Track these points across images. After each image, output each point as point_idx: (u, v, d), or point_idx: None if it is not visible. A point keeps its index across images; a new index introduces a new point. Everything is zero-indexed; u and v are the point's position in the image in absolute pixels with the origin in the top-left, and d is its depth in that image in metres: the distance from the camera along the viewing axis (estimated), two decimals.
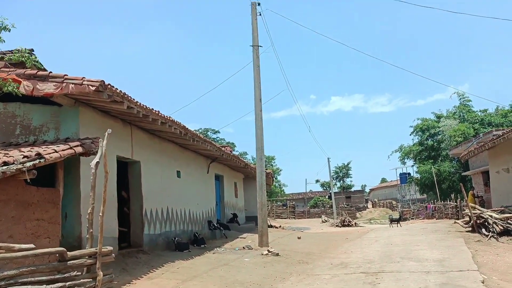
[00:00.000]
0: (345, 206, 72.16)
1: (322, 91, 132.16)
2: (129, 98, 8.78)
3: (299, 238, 18.90)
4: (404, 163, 60.10)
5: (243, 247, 14.36)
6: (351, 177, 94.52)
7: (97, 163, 6.03)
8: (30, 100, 8.81)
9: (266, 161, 75.38)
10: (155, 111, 10.02)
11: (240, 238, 17.31)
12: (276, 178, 75.73)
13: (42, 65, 9.35)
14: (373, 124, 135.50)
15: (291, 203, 58.05)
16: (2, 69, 8.27)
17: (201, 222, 15.94)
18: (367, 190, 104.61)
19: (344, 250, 14.17)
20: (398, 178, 65.66)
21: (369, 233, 22.25)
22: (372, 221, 58.44)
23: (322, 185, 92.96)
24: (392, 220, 28.52)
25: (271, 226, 27.27)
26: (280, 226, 29.46)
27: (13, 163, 6.68)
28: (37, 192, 7.51)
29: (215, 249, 13.75)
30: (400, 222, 28.70)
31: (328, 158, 54.37)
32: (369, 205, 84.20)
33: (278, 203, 61.04)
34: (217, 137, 76.76)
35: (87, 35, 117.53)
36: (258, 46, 16.31)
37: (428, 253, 12.13)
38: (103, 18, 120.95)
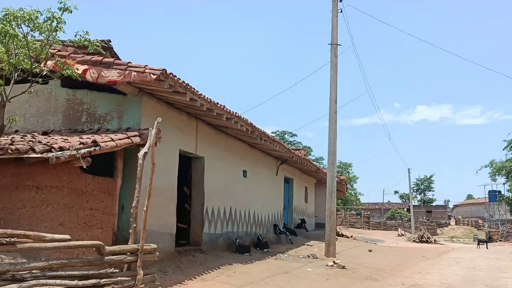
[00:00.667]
0: (425, 221, 68.34)
1: (407, 99, 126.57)
2: (193, 89, 8.39)
3: (370, 251, 17.71)
4: (494, 180, 55.29)
5: (308, 255, 13.57)
6: (433, 191, 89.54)
7: (145, 153, 5.62)
8: (98, 88, 8.74)
9: (342, 168, 73.81)
10: (220, 105, 9.58)
11: (307, 245, 16.52)
12: (351, 186, 73.53)
13: (116, 54, 9.28)
14: (462, 137, 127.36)
15: (365, 213, 55.75)
16: (71, 54, 8.23)
17: (266, 225, 15.36)
18: (450, 205, 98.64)
19: (419, 270, 12.87)
20: (487, 196, 60.66)
21: (450, 252, 20.40)
22: (454, 239, 54.65)
23: (401, 197, 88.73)
24: (479, 241, 25.94)
25: (341, 235, 26.14)
26: (351, 236, 28.16)
27: (68, 149, 6.50)
28: (93, 181, 7.32)
29: (278, 254, 13.10)
30: (488, 244, 26.09)
31: (408, 169, 51.63)
32: (452, 221, 79.12)
33: (352, 211, 58.99)
34: (293, 140, 76.01)
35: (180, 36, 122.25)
36: (337, 44, 15.45)
37: None
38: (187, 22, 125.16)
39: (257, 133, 11.70)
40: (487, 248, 24.15)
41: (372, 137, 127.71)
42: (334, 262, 12.11)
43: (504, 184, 54.14)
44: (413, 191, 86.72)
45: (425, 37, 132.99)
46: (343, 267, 11.73)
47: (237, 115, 10.37)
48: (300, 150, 31.97)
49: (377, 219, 70.60)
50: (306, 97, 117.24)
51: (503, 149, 51.33)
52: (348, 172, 74.62)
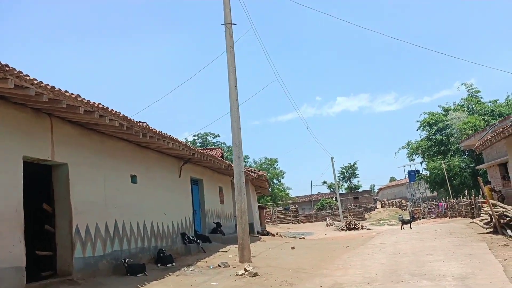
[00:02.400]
0: (353, 207, 69.59)
1: (327, 92, 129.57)
2: (19, 74, 6.26)
3: (292, 248, 16.31)
4: (412, 160, 57.30)
5: (219, 265, 11.78)
6: (358, 177, 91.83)
7: None
8: None
9: (268, 164, 73.19)
10: (73, 95, 7.51)
11: (221, 251, 14.73)
12: (279, 181, 73.20)
13: None
14: (380, 123, 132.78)
15: (293, 207, 55.22)
16: None
17: (171, 236, 13.38)
18: (376, 190, 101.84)
19: (342, 264, 11.55)
20: (407, 176, 62.73)
21: (375, 238, 19.59)
22: (381, 221, 55.84)
23: (329, 187, 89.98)
24: (403, 222, 25.66)
25: (266, 234, 24.72)
26: (277, 234, 26.88)
27: None
28: None
29: (183, 269, 11.18)
30: (412, 223, 25.82)
31: (331, 158, 51.76)
32: (378, 205, 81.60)
33: (280, 207, 58.30)
34: (217, 141, 74.43)
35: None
36: (231, 24, 13.82)
37: (445, 266, 9.50)
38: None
39: (136, 128, 9.71)
40: (411, 228, 23.82)
41: (297, 132, 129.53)
42: (245, 269, 10.42)
43: (421, 163, 56.13)
44: (339, 179, 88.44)
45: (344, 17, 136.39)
46: (255, 274, 10.08)
47: (102, 107, 8.33)
48: (217, 149, 30.22)
49: (308, 212, 70.78)
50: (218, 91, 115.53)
51: (417, 130, 53.16)
52: (275, 167, 74.22)
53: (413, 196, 62.53)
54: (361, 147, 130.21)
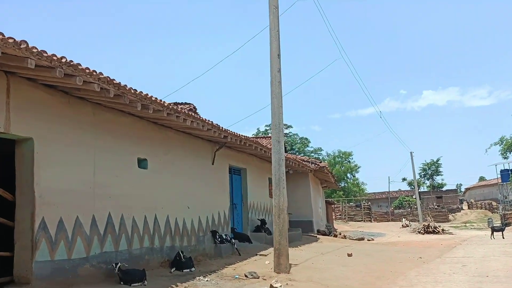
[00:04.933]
0: (435, 207, 63.95)
1: (412, 85, 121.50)
2: None
3: (349, 255, 13.48)
4: (506, 157, 50.74)
5: (246, 275, 9.38)
6: (441, 175, 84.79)
7: None
8: None
9: (342, 157, 69.36)
10: (33, 49, 5.46)
11: (260, 255, 12.32)
12: (353, 176, 69.26)
13: None
14: (470, 119, 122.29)
15: (366, 204, 51.30)
16: None
17: (196, 234, 11.19)
18: (462, 189, 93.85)
19: (405, 285, 8.66)
20: (499, 176, 56.00)
21: (456, 248, 16.11)
22: (467, 224, 50.32)
23: (409, 184, 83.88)
24: (494, 230, 21.40)
25: (326, 234, 21.93)
26: (340, 234, 23.87)
27: None
28: None
29: (199, 277, 8.91)
30: (504, 232, 21.52)
31: (411, 153, 47.11)
32: (464, 206, 74.58)
33: (351, 203, 54.59)
34: (289, 132, 71.98)
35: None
36: None
37: None
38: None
39: (131, 97, 7.51)
40: (503, 237, 19.78)
41: (376, 127, 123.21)
42: (271, 286, 7.94)
43: None
44: (421, 176, 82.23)
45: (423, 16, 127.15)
46: None
47: (73, 64, 6.19)
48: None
49: (385, 209, 66.17)
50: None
51: None
52: (349, 161, 70.27)
53: (506, 198, 55.74)
54: (447, 144, 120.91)
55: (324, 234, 22.15)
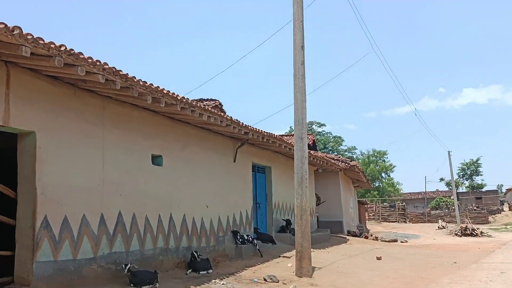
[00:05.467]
0: (474, 208, 61.58)
1: (452, 83, 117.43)
2: None
3: (378, 259, 12.75)
4: None
5: (265, 278, 8.86)
6: (481, 175, 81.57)
7: None
8: None
9: (377, 156, 67.76)
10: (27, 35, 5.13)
11: (283, 257, 11.76)
12: (388, 176, 67.65)
13: None
14: None
15: (400, 204, 49.79)
16: None
17: (215, 234, 10.75)
18: (503, 190, 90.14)
19: None
20: None
21: (495, 253, 15.06)
22: (508, 226, 48.08)
23: (447, 184, 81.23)
24: None
25: (358, 235, 21.14)
26: (371, 235, 22.99)
27: None
28: None
29: (215, 280, 8.45)
30: None
31: (448, 152, 45.49)
32: (505, 207, 71.50)
33: (385, 203, 53.11)
34: (322, 131, 70.98)
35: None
36: None
37: None
38: None
39: (141, 89, 7.10)
40: None
41: (413, 125, 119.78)
42: None
43: None
44: (459, 176, 79.50)
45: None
46: None
47: (74, 53, 5.83)
48: (308, 136, 27.04)
49: (421, 210, 64.19)
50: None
51: None
52: (384, 160, 68.69)
53: None
54: (488, 144, 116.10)
55: (355, 235, 21.36)
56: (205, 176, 10.57)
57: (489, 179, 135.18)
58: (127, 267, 7.37)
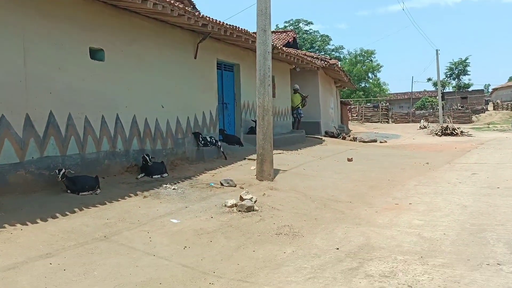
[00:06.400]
0: (459, 108, 61.81)
1: None
2: None
3: (349, 160, 12.33)
4: None
5: (221, 183, 8.33)
6: (469, 75, 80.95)
7: None
8: None
9: (364, 56, 66.12)
10: None
11: (248, 159, 11.24)
12: (375, 76, 66.70)
13: None
14: (507, 16, 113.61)
15: (384, 104, 49.50)
16: None
17: (173, 136, 10.04)
18: (490, 90, 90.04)
19: (399, 198, 7.51)
20: None
21: (470, 152, 14.77)
22: (491, 125, 48.60)
23: (435, 84, 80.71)
24: None
25: (336, 136, 20.75)
26: (349, 136, 22.66)
27: None
28: None
29: (166, 185, 7.89)
30: None
31: (436, 50, 43.95)
32: (490, 107, 71.96)
33: (368, 104, 52.81)
34: (309, 29, 68.37)
35: None
36: None
37: None
38: None
39: None
40: None
41: (406, 25, 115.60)
42: (241, 198, 6.87)
43: None
44: (447, 76, 78.88)
45: None
46: (250, 210, 6.50)
47: None
48: (288, 32, 25.57)
49: (406, 110, 64.18)
50: None
51: None
52: (371, 60, 67.27)
53: None
54: (478, 43, 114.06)
55: (332, 136, 20.97)
56: (160, 74, 9.61)
57: (476, 79, 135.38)
58: (62, 172, 6.71)
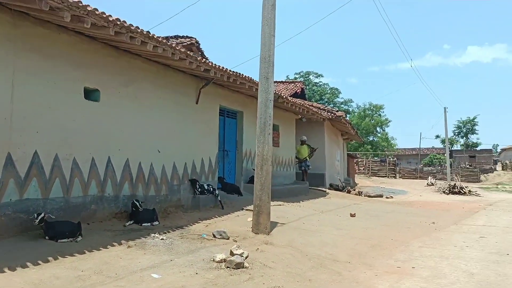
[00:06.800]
0: (467, 167, 61.14)
1: (457, 40, 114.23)
2: None
3: (352, 216, 11.79)
4: None
5: (213, 234, 7.84)
6: (477, 133, 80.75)
7: None
8: None
9: (373, 111, 66.39)
10: None
11: (246, 210, 10.75)
12: (383, 130, 66.69)
13: None
14: None
15: (391, 159, 49.03)
16: None
17: (168, 182, 9.65)
18: (498, 150, 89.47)
19: (402, 261, 6.94)
20: None
21: (478, 214, 14.14)
22: (499, 186, 47.74)
23: (443, 142, 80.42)
24: None
25: (340, 189, 20.22)
26: (354, 190, 22.11)
27: None
28: None
29: (154, 234, 7.39)
30: None
31: (444, 108, 43.91)
32: (498, 167, 71.15)
33: (376, 158, 52.37)
34: (319, 81, 69.12)
35: None
36: None
37: None
38: None
39: (51, 2, 5.71)
40: None
41: (415, 81, 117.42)
42: (231, 252, 6.37)
43: None
44: (455, 134, 78.69)
45: None
46: (239, 267, 5.98)
47: None
48: (296, 83, 25.63)
49: (414, 166, 63.63)
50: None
51: None
52: (379, 114, 67.50)
53: None
54: (488, 103, 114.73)
55: (337, 189, 20.45)
56: (159, 117, 9.35)
57: (484, 139, 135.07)
58: (40, 217, 6.29)
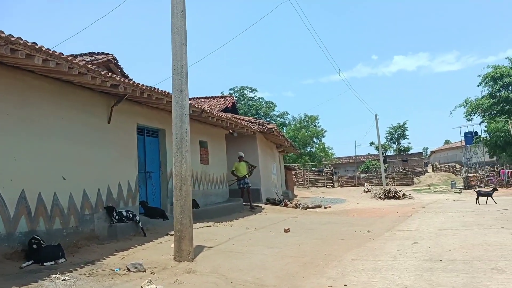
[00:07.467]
0: (400, 171, 63.40)
1: (384, 51, 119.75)
2: None
3: (286, 231, 11.26)
4: (470, 119, 49.44)
5: (128, 268, 6.94)
6: (408, 138, 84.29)
7: None
8: None
9: (308, 122, 67.35)
10: None
11: (171, 235, 9.86)
12: (319, 140, 67.71)
13: None
14: (438, 84, 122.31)
15: (328, 169, 49.71)
16: None
17: (77, 212, 8.63)
18: (428, 153, 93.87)
19: (334, 279, 6.39)
20: (463, 139, 55.10)
21: (412, 218, 14.14)
22: (431, 187, 49.73)
23: (378, 148, 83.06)
24: (479, 194, 18.79)
25: (278, 203, 19.75)
26: (292, 203, 21.75)
27: None
28: None
29: (55, 275, 6.39)
30: (493, 196, 18.27)
31: (375, 115, 45.19)
32: (429, 169, 74.56)
33: (313, 168, 52.93)
34: (254, 96, 69.26)
35: None
36: None
37: None
38: None
39: None
40: (487, 202, 17.74)
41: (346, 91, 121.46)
42: None
43: (480, 124, 48.31)
44: (387, 140, 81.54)
45: None
46: None
47: None
48: (227, 98, 25.09)
49: (352, 174, 64.96)
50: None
51: (478, 85, 45.36)
52: (315, 125, 68.60)
53: (469, 160, 55.08)
54: (415, 109, 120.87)
55: (274, 204, 19.97)
56: (62, 141, 8.35)
57: (415, 143, 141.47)
58: None
